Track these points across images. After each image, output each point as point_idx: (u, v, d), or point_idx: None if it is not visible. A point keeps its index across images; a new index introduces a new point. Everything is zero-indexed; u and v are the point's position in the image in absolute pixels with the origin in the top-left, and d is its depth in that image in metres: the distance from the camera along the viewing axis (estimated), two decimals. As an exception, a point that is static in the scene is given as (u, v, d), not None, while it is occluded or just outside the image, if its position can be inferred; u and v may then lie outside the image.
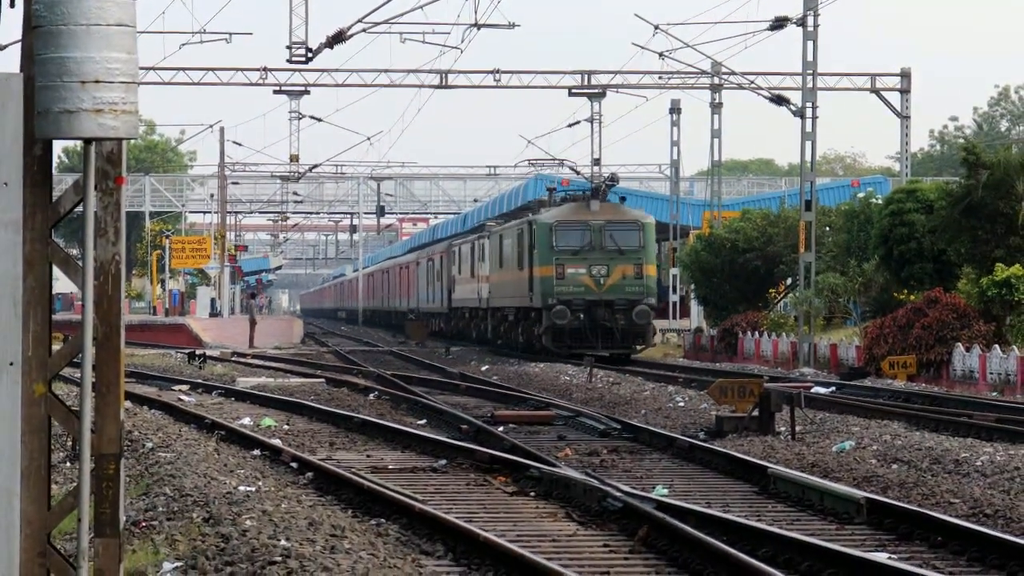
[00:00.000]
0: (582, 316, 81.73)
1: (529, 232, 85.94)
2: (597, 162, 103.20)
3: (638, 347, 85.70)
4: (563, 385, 57.82)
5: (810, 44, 77.50)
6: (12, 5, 12.47)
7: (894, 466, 30.25)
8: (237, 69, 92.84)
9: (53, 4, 11.00)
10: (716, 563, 19.17)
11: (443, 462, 31.70)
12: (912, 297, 71.13)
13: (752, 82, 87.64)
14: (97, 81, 10.96)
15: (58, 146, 11.70)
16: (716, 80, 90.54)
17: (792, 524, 23.06)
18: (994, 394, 55.15)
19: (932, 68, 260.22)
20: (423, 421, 41.48)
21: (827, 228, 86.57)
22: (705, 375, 60.78)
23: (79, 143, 11.28)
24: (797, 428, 36.53)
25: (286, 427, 39.04)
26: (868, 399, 47.47)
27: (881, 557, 19.61)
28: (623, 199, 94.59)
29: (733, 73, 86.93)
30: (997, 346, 59.18)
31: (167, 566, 19.71)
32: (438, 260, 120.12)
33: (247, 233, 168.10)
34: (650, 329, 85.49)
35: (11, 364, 11.10)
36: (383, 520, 23.55)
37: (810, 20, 76.98)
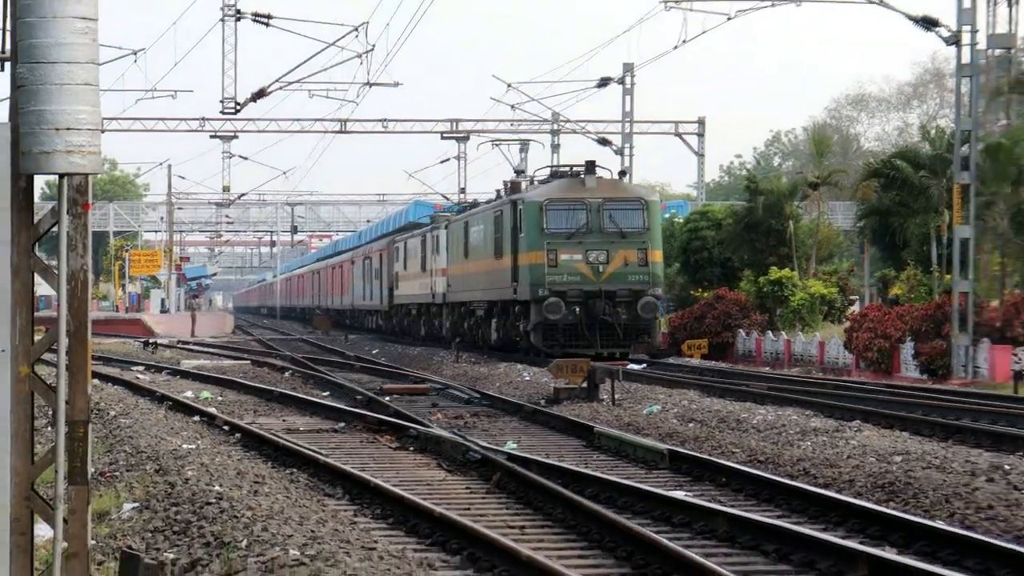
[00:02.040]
0: (578, 310, 56.07)
1: (513, 213, 59.10)
2: (463, 191, 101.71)
3: (641, 345, 57.87)
4: (436, 363, 57.60)
5: (628, 98, 78.22)
6: (2, 69, 12.46)
7: (690, 424, 30.37)
8: (181, 119, 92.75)
9: (33, 68, 10.94)
10: (553, 500, 19.13)
11: (342, 424, 31.56)
12: (705, 294, 74.23)
13: (583, 128, 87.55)
14: (68, 128, 10.91)
15: (40, 179, 11.62)
16: (555, 127, 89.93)
17: (612, 470, 23.10)
18: (767, 369, 58.69)
19: (721, 115, 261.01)
20: (327, 393, 41.25)
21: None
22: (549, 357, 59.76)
23: (55, 177, 11.20)
24: (616, 396, 36.56)
25: (220, 398, 38.80)
26: (671, 373, 48.17)
27: (679, 494, 19.67)
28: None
29: (569, 121, 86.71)
30: (770, 332, 65.58)
31: (127, 507, 19.59)
32: (376, 258, 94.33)
33: (189, 247, 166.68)
34: (656, 325, 59.26)
35: (2, 351, 11.06)
36: (295, 470, 23.45)
37: (628, 79, 77.39)
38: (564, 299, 54.55)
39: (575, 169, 61.23)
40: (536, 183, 60.70)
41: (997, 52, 51.15)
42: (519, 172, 70.37)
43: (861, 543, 15.98)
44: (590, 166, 58.27)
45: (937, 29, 47.67)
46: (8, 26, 11.39)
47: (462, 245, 68.62)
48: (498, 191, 68.06)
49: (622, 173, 60.69)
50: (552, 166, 65.75)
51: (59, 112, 10.96)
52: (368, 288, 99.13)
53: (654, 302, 55.35)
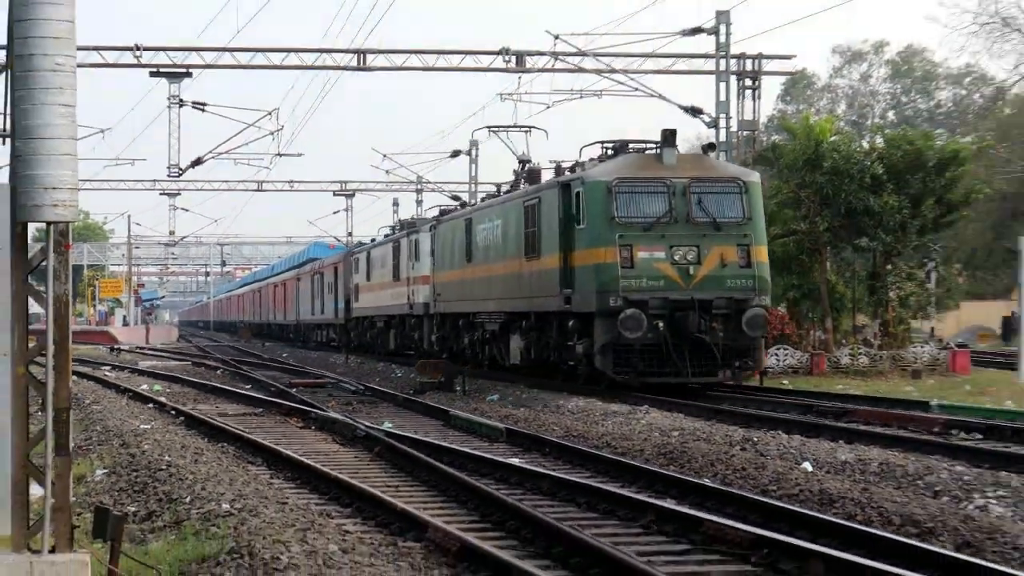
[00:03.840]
0: (661, 326, 32.69)
1: (563, 199, 34.85)
2: (350, 234, 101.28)
3: (745, 372, 34.20)
4: (331, 363, 57.29)
5: (473, 165, 77.52)
6: (3, 143, 12.52)
7: (521, 409, 30.38)
8: (138, 180, 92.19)
9: (27, 142, 10.98)
10: (420, 466, 19.15)
11: (260, 410, 31.39)
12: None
13: (441, 189, 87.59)
14: (53, 188, 10.96)
15: (31, 226, 11.60)
16: (419, 186, 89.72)
17: (464, 443, 23.08)
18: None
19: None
20: (249, 386, 41.03)
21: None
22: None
23: (43, 225, 11.22)
24: (467, 388, 36.64)
25: (168, 390, 38.52)
26: (499, 373, 46.31)
27: (515, 461, 19.72)
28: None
29: (430, 182, 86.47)
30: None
31: (98, 472, 19.48)
32: (330, 273, 74.23)
33: (144, 276, 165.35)
34: (762, 345, 34.54)
35: (4, 355, 11.09)
36: (226, 444, 23.32)
37: (473, 151, 76.93)
38: (644, 311, 31.33)
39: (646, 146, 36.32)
40: (594, 161, 35.47)
41: (744, 133, 51.78)
42: (524, 163, 44.35)
43: (649, 496, 16.11)
44: (669, 136, 33.47)
45: (701, 116, 47.97)
46: (9, 112, 11.42)
47: (461, 247, 44.72)
48: (497, 186, 46.70)
49: (710, 146, 35.91)
50: (606, 141, 36.84)
51: (46, 176, 11.01)
52: (318, 302, 79.25)
53: (762, 315, 32.11)
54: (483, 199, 46.84)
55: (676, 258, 31.97)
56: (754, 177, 33.99)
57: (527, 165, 43.55)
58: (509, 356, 40.11)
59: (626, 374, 32.11)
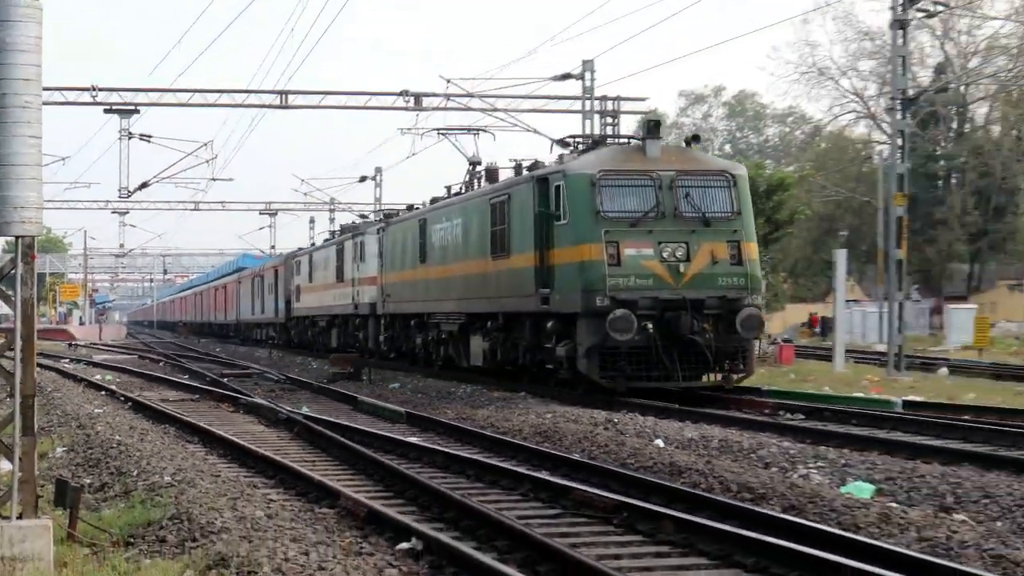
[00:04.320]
0: (651, 327, 25.84)
1: (539, 194, 27.95)
2: (273, 247, 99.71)
3: (735, 376, 26.95)
4: (256, 357, 56.80)
5: (378, 189, 77.31)
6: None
7: (419, 395, 30.30)
8: (93, 201, 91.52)
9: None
10: (332, 444, 19.06)
11: (197, 396, 31.05)
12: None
13: (350, 209, 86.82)
14: (22, 207, 10.90)
15: (1, 239, 11.52)
16: (332, 207, 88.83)
17: (370, 424, 22.95)
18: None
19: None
20: (187, 376, 40.60)
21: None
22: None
23: (12, 238, 11.15)
24: (372, 378, 36.54)
25: (118, 379, 38.09)
26: (464, 373, 45.89)
27: (414, 439, 19.66)
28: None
29: (341, 203, 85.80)
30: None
31: (59, 450, 19.27)
32: (270, 275, 68.80)
33: (98, 283, 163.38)
34: (753, 347, 28.14)
35: (-23, 350, 10.99)
36: (167, 425, 23.08)
37: (378, 177, 76.70)
38: (633, 311, 25.50)
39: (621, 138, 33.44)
40: (573, 154, 29.49)
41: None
42: (475, 164, 37.66)
43: (526, 469, 16.13)
44: (652, 127, 27.69)
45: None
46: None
47: (413, 248, 38.18)
48: (448, 187, 38.40)
49: (694, 138, 29.50)
50: (584, 136, 32.85)
51: (16, 196, 10.98)
52: (258, 303, 73.64)
53: (759, 316, 26.45)
54: (432, 201, 38.67)
55: (665, 255, 26.08)
56: (741, 170, 27.90)
57: (477, 166, 37.26)
58: (470, 358, 33.64)
59: (612, 378, 25.99)
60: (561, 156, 29.87)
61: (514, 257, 29.38)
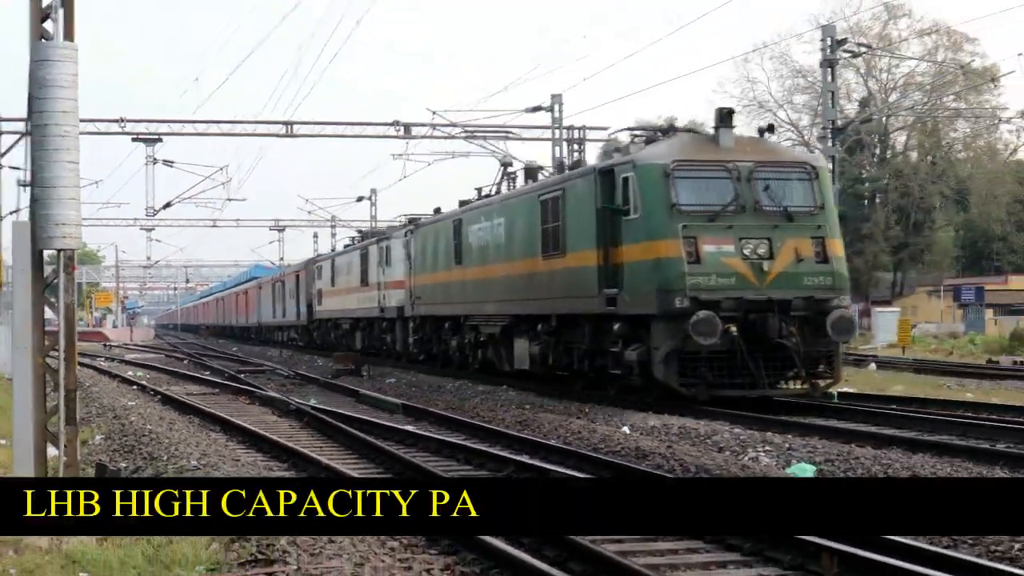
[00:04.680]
0: (733, 330, 20.46)
1: (604, 187, 22.74)
2: (281, 259, 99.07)
3: (822, 382, 21.53)
4: (269, 356, 56.47)
5: (373, 208, 76.76)
6: (25, 190, 12.38)
7: (413, 389, 30.19)
8: (123, 219, 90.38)
9: (43, 190, 10.94)
10: (339, 432, 18.99)
11: (217, 390, 30.99)
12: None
13: (349, 225, 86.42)
14: (63, 224, 10.89)
15: (46, 252, 11.45)
16: (333, 224, 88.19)
17: (371, 415, 22.92)
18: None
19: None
20: (208, 372, 40.44)
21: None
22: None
23: (55, 252, 11.09)
24: (371, 374, 36.44)
25: (147, 375, 37.91)
26: (507, 379, 45.03)
27: (410, 427, 19.59)
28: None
29: (341, 220, 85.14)
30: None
31: (97, 438, 19.17)
32: (291, 280, 64.14)
33: (128, 291, 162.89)
34: (841, 351, 22.04)
35: (27, 347, 10.94)
36: (193, 416, 23.01)
37: (373, 197, 76.10)
38: (716, 313, 20.85)
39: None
40: (638, 144, 23.92)
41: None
42: (506, 165, 34.67)
43: (509, 454, 16.09)
44: (725, 115, 22.83)
45: (542, 171, 47.79)
46: (29, 167, 11.31)
47: (447, 250, 33.11)
48: (478, 190, 33.46)
49: (769, 128, 24.01)
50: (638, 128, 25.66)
51: (57, 215, 11.00)
52: (279, 307, 68.93)
53: (851, 318, 21.80)
54: (461, 204, 33.59)
55: (746, 252, 21.30)
56: (822, 162, 23.42)
57: (508, 167, 33.44)
58: (513, 361, 28.70)
59: (693, 385, 21.07)
60: (615, 149, 24.22)
61: (570, 256, 24.38)
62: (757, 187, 21.74)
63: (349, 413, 22.32)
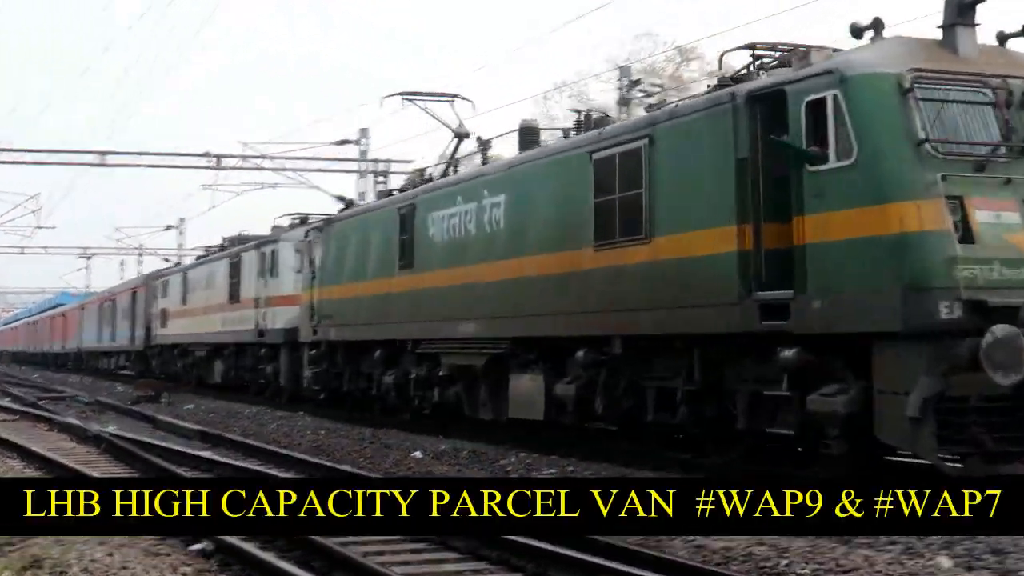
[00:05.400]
0: None
1: (761, 118, 11.76)
2: (88, 287, 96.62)
3: None
4: (70, 382, 54.71)
5: (181, 236, 75.27)
6: None
7: (211, 415, 29.84)
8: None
9: None
10: (136, 458, 18.87)
11: (16, 417, 30.18)
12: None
13: (156, 253, 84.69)
14: None
15: None
16: (141, 252, 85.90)
17: (168, 440, 22.63)
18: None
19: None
20: (8, 399, 38.80)
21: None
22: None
23: None
24: (170, 401, 35.94)
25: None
26: (356, 412, 43.89)
27: (207, 453, 19.50)
28: None
29: (149, 248, 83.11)
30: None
31: None
32: (125, 299, 53.64)
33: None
34: None
35: None
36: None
37: (181, 226, 74.73)
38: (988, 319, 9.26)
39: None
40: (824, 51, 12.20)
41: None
42: (461, 136, 24.61)
43: (299, 474, 16.32)
44: (966, 7, 11.04)
45: (345, 200, 47.77)
46: None
47: (385, 250, 23.12)
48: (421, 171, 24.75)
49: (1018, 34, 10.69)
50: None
51: None
52: (107, 330, 58.39)
53: None
54: (403, 188, 24.99)
55: None
56: None
57: (464, 138, 24.75)
58: (508, 407, 19.07)
59: (964, 456, 11.39)
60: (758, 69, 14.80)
61: (665, 240, 14.65)
62: None
63: (145, 439, 22.11)
